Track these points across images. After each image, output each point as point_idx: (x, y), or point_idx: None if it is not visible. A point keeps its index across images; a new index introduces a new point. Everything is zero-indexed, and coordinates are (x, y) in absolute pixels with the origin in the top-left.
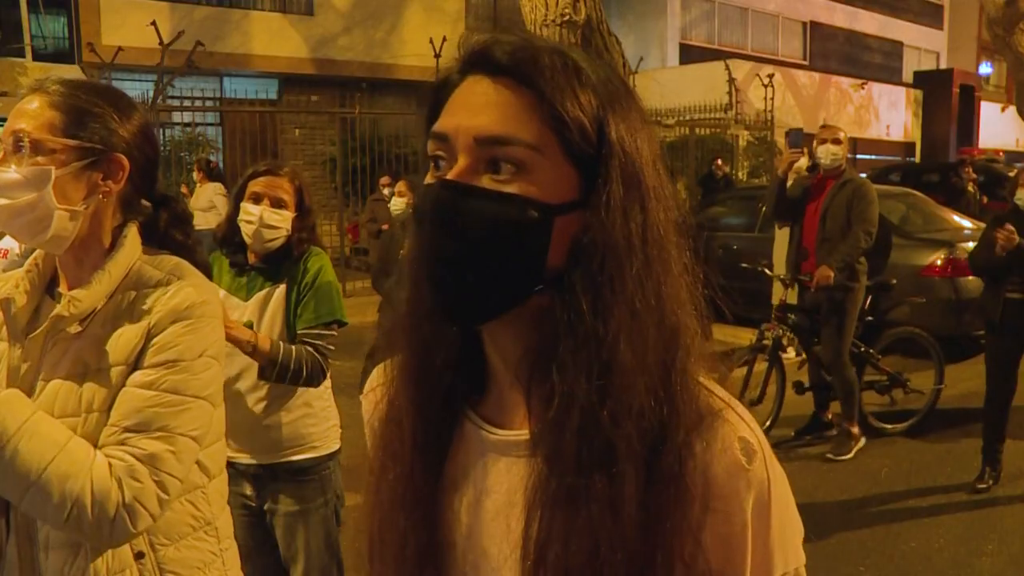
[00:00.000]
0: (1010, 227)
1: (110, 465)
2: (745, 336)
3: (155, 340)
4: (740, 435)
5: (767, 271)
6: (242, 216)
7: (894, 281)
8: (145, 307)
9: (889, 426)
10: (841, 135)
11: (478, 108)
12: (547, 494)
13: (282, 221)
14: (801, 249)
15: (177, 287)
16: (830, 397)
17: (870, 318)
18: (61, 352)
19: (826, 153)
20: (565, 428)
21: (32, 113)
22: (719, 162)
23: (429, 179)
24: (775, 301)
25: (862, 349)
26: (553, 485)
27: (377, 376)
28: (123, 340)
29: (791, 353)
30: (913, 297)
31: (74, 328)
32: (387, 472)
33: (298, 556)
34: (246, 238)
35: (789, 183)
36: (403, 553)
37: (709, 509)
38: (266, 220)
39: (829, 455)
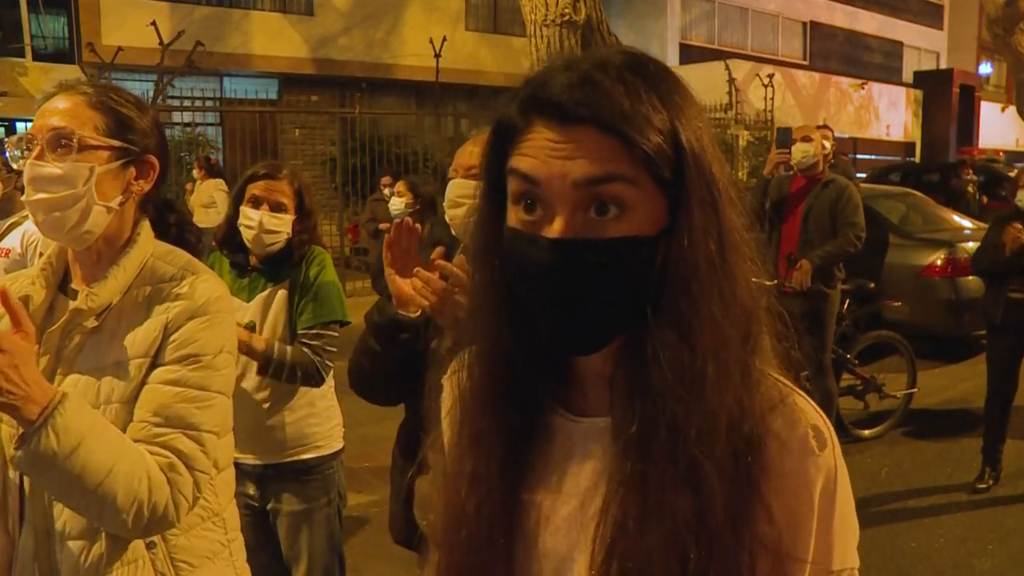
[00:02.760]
0: (1019, 226)
1: (157, 459)
2: None
3: (174, 336)
4: (812, 423)
5: None
6: (242, 220)
7: (872, 284)
8: (160, 302)
9: (865, 431)
10: (815, 134)
11: (567, 153)
12: (625, 490)
13: (282, 225)
14: (788, 256)
15: (192, 282)
16: None
17: (846, 322)
18: (78, 346)
19: (797, 151)
20: (651, 442)
21: (72, 112)
22: None
23: (518, 223)
24: None
25: (838, 353)
26: (632, 486)
27: (460, 362)
28: (140, 334)
29: None
30: (891, 300)
31: (91, 322)
32: (465, 467)
33: (301, 555)
34: (246, 241)
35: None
36: (479, 539)
37: (782, 490)
38: (266, 225)
39: None
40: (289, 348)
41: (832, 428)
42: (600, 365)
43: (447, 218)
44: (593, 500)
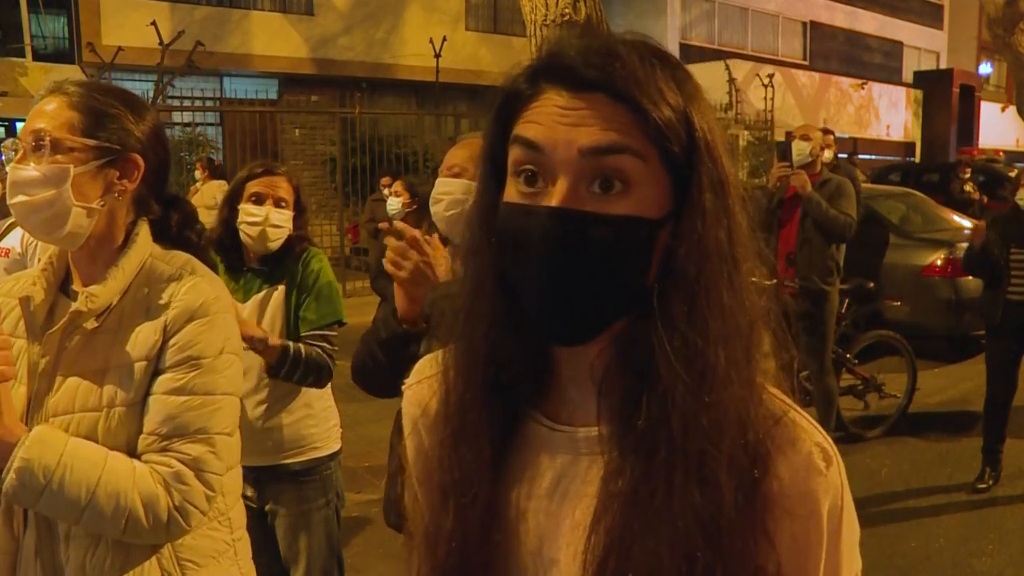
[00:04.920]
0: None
1: (153, 471)
2: None
3: (174, 339)
4: (816, 441)
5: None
6: (243, 218)
7: (872, 284)
8: (160, 302)
9: (866, 431)
10: (814, 133)
11: (575, 120)
12: (625, 495)
13: (285, 220)
14: (788, 256)
15: (190, 283)
16: None
17: (846, 322)
18: (79, 348)
19: (794, 149)
20: (659, 437)
21: (51, 113)
22: None
23: (516, 196)
24: None
25: (838, 353)
26: (635, 488)
27: (425, 368)
28: (141, 336)
29: None
30: (891, 300)
31: (91, 324)
32: (444, 470)
33: (299, 557)
34: (247, 239)
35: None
36: (459, 550)
37: (788, 514)
38: (272, 220)
39: None
40: (303, 346)
41: (833, 444)
42: (588, 369)
43: (432, 214)
44: (583, 514)
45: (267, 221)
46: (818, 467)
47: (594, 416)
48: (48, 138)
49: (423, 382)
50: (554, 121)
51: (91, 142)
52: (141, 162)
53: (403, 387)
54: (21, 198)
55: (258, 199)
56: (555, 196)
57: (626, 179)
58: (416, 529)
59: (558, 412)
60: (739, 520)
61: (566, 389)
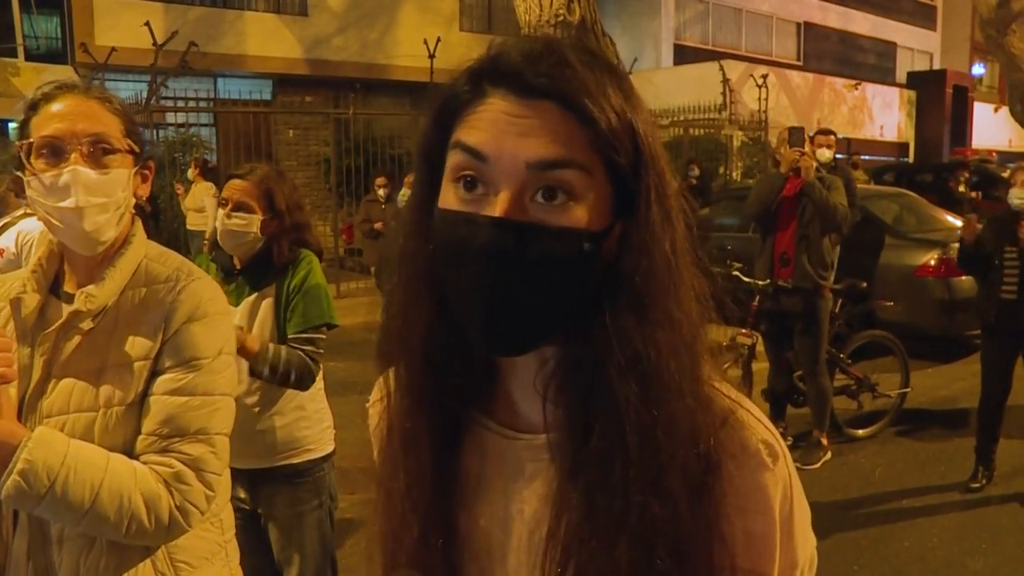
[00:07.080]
0: (973, 216)
1: (154, 472)
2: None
3: (172, 340)
4: (762, 439)
5: (740, 275)
6: (216, 222)
7: (864, 284)
8: (156, 304)
9: (859, 431)
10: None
11: (523, 130)
12: (582, 507)
13: (244, 225)
14: (782, 256)
15: (188, 284)
16: (789, 407)
17: (839, 322)
18: (73, 349)
19: (792, 154)
20: (615, 452)
21: (99, 117)
22: (692, 166)
23: (455, 203)
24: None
25: (831, 353)
26: (591, 500)
27: (382, 386)
28: (139, 336)
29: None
30: (884, 300)
31: (87, 324)
32: (398, 480)
33: (293, 558)
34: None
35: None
36: (416, 559)
37: (740, 511)
38: (227, 225)
39: (796, 464)
40: (283, 349)
41: (776, 432)
42: (532, 376)
43: None
44: (540, 523)
45: (223, 225)
46: (766, 463)
47: (541, 423)
48: (121, 143)
49: (382, 399)
50: (500, 129)
51: (137, 148)
52: (154, 167)
53: (367, 405)
54: (95, 200)
55: (224, 204)
56: (498, 206)
57: (571, 191)
58: (376, 533)
59: (508, 418)
60: (695, 525)
61: (513, 396)
